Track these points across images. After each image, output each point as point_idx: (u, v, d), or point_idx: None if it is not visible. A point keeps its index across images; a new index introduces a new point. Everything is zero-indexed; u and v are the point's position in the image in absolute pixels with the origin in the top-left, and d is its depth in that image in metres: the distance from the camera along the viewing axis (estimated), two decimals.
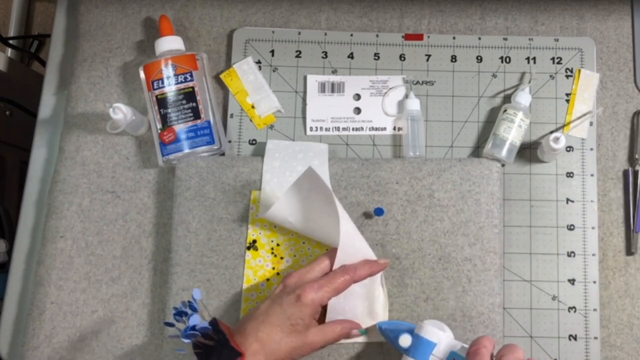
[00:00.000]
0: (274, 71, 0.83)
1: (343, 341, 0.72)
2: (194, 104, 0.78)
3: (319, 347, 0.67)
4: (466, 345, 0.63)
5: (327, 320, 0.69)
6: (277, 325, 0.64)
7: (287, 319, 0.64)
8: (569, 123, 0.81)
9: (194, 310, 0.62)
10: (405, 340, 0.66)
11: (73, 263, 0.77)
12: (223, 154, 0.79)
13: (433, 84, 0.82)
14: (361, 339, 0.72)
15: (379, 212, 0.74)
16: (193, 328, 0.61)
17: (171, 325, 0.64)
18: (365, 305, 0.71)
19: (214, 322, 0.64)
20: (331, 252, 0.69)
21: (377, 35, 0.83)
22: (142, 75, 0.79)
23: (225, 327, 0.64)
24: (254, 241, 0.74)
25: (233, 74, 0.82)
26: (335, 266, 0.68)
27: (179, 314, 0.62)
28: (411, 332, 0.67)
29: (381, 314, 0.72)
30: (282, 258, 0.74)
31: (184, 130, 0.77)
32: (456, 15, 0.84)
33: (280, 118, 0.82)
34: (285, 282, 0.67)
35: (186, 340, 0.62)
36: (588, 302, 0.76)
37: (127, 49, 0.84)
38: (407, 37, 0.84)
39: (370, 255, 0.70)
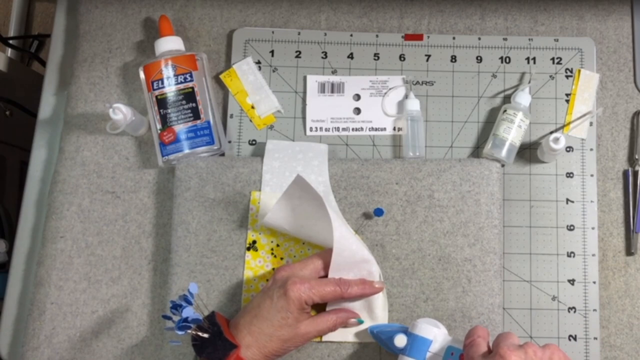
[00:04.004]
0: (273, 71, 0.83)
1: (342, 341, 0.72)
2: (194, 105, 0.78)
3: (313, 337, 0.68)
4: (461, 339, 0.64)
5: (327, 310, 0.70)
6: (268, 319, 0.65)
7: (277, 312, 0.65)
8: (568, 123, 0.81)
9: (189, 303, 0.63)
10: (400, 340, 0.66)
11: (73, 263, 0.77)
12: (223, 155, 0.79)
13: (433, 84, 0.82)
14: (359, 328, 0.72)
15: (378, 212, 0.74)
16: (185, 320, 0.63)
17: (168, 318, 0.65)
18: (364, 305, 0.71)
19: (211, 315, 0.65)
20: (326, 252, 0.69)
21: (377, 36, 0.83)
22: (142, 75, 0.79)
23: (222, 320, 0.66)
24: (254, 242, 0.74)
25: (233, 74, 0.82)
26: (331, 270, 0.68)
27: (175, 307, 0.63)
28: (405, 332, 0.67)
29: (380, 315, 0.72)
30: (282, 259, 0.74)
31: (183, 131, 0.77)
32: (456, 15, 0.84)
33: (280, 118, 0.82)
34: (275, 275, 0.68)
35: (179, 332, 0.63)
36: (588, 303, 0.76)
37: (127, 49, 0.84)
38: (407, 37, 0.84)
39: (367, 257, 0.70)
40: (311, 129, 0.81)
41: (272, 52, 0.83)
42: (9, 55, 1.36)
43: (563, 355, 0.58)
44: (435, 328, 0.65)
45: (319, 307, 0.71)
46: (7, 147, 1.21)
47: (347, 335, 0.72)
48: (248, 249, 0.74)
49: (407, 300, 0.73)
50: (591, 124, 0.80)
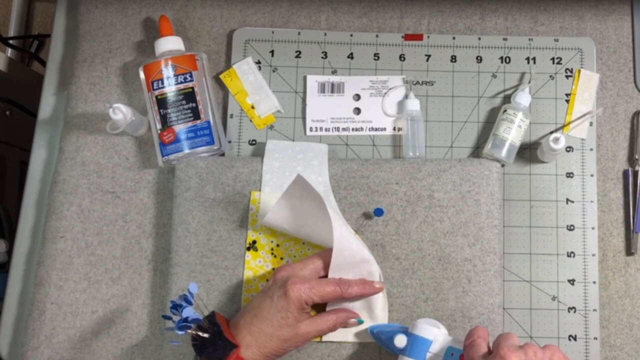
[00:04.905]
0: (273, 71, 0.83)
1: (342, 341, 0.72)
2: (194, 104, 0.78)
3: (313, 337, 0.68)
4: (461, 339, 0.64)
5: (327, 310, 0.70)
6: (268, 319, 0.65)
7: (277, 312, 0.65)
8: (568, 123, 0.81)
9: (189, 303, 0.63)
10: (400, 341, 0.66)
11: (73, 263, 0.77)
12: (223, 155, 0.79)
13: (433, 84, 0.82)
14: (359, 328, 0.72)
15: (378, 212, 0.74)
16: (186, 320, 0.63)
17: (168, 318, 0.65)
18: (364, 305, 0.71)
19: (210, 315, 0.65)
20: (326, 252, 0.69)
21: (377, 36, 0.83)
22: (142, 75, 0.79)
23: (222, 320, 0.66)
24: (254, 242, 0.74)
25: (233, 74, 0.82)
26: (331, 270, 0.68)
27: (175, 307, 0.63)
28: (405, 332, 0.67)
29: (380, 315, 0.72)
30: (282, 259, 0.74)
31: (183, 131, 0.77)
32: (456, 15, 0.84)
33: (280, 118, 0.82)
34: (275, 275, 0.68)
35: (179, 332, 0.63)
36: (588, 303, 0.76)
37: (127, 49, 0.84)
38: (407, 37, 0.84)
39: (367, 257, 0.70)
40: (311, 129, 0.81)
41: (272, 52, 0.83)
42: (9, 55, 1.36)
43: (563, 356, 0.58)
44: (435, 328, 0.65)
45: (319, 307, 0.71)
46: (7, 147, 1.21)
47: (347, 335, 0.72)
48: (248, 249, 0.74)
49: (407, 300, 0.73)
50: (591, 124, 0.80)
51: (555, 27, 0.84)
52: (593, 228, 0.78)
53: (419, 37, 0.83)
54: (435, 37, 0.83)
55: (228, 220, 0.75)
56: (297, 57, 0.83)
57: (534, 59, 0.83)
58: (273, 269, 0.74)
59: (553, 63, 0.82)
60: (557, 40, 0.83)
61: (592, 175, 0.79)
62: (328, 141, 0.80)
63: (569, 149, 0.80)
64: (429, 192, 0.75)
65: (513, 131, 0.77)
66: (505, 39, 0.83)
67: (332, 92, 0.82)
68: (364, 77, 0.82)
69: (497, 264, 0.74)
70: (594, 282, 0.76)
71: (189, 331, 0.64)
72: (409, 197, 0.75)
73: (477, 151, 0.80)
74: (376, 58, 0.83)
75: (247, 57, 0.83)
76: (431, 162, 0.76)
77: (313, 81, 0.82)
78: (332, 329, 0.69)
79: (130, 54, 0.84)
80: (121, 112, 0.74)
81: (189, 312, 0.63)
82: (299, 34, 0.84)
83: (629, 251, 0.78)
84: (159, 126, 0.78)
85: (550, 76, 0.82)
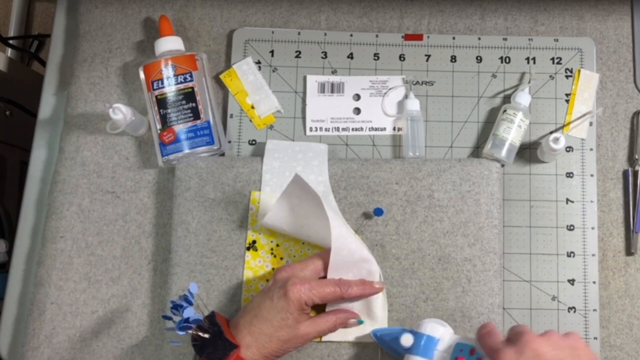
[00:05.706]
0: (273, 71, 0.83)
1: (342, 341, 0.72)
2: (194, 104, 0.78)
3: (313, 338, 0.68)
4: (468, 337, 0.64)
5: (327, 310, 0.70)
6: (268, 320, 0.65)
7: (277, 313, 0.65)
8: (568, 123, 0.81)
9: (189, 303, 0.63)
10: (407, 340, 0.66)
11: (73, 263, 0.77)
12: (223, 155, 0.79)
13: (433, 84, 0.82)
14: (359, 328, 0.72)
15: (378, 212, 0.74)
16: (187, 320, 0.63)
17: (169, 318, 0.65)
18: (364, 306, 0.71)
19: (211, 315, 0.65)
20: (326, 252, 0.69)
21: (377, 36, 0.83)
22: (141, 75, 0.79)
23: (222, 320, 0.66)
24: (254, 242, 0.75)
25: (233, 74, 0.82)
26: (330, 270, 0.68)
27: (175, 307, 0.63)
28: (411, 331, 0.67)
29: (380, 315, 0.72)
30: (281, 259, 0.74)
31: (183, 131, 0.77)
32: (456, 15, 0.84)
33: (280, 118, 0.82)
34: (276, 276, 0.68)
35: (180, 332, 0.63)
36: (588, 303, 0.76)
37: (127, 49, 0.84)
38: (407, 37, 0.84)
39: (367, 256, 0.70)
40: (311, 129, 0.81)
41: (272, 52, 0.83)
42: (9, 55, 1.36)
43: (584, 343, 0.58)
44: (442, 327, 0.66)
45: (319, 308, 0.71)
46: (7, 147, 1.21)
47: (347, 336, 0.72)
48: (248, 249, 0.74)
49: (407, 300, 0.73)
50: (591, 124, 0.80)
51: (555, 27, 0.84)
52: (593, 228, 0.78)
53: (419, 37, 0.83)
54: (435, 37, 0.83)
55: (228, 220, 0.75)
56: (297, 57, 0.83)
57: (533, 59, 0.83)
58: (273, 269, 0.74)
59: (553, 63, 0.82)
60: (557, 40, 0.83)
61: (592, 175, 0.79)
62: (328, 141, 0.80)
63: (568, 149, 0.80)
64: (429, 192, 0.75)
65: (513, 131, 0.77)
66: (505, 39, 0.83)
67: (332, 92, 0.82)
68: (364, 77, 0.82)
69: (497, 264, 0.74)
70: (594, 282, 0.76)
71: (190, 331, 0.64)
72: (409, 197, 0.75)
73: (477, 151, 0.80)
74: (376, 58, 0.83)
75: (247, 57, 0.83)
76: (431, 162, 0.76)
77: (313, 81, 0.82)
78: (332, 329, 0.69)
79: (130, 54, 0.84)
80: (121, 112, 0.74)
81: (189, 312, 0.63)
82: (299, 34, 0.84)
83: (629, 251, 0.78)
84: (159, 126, 0.78)
85: (550, 76, 0.82)
